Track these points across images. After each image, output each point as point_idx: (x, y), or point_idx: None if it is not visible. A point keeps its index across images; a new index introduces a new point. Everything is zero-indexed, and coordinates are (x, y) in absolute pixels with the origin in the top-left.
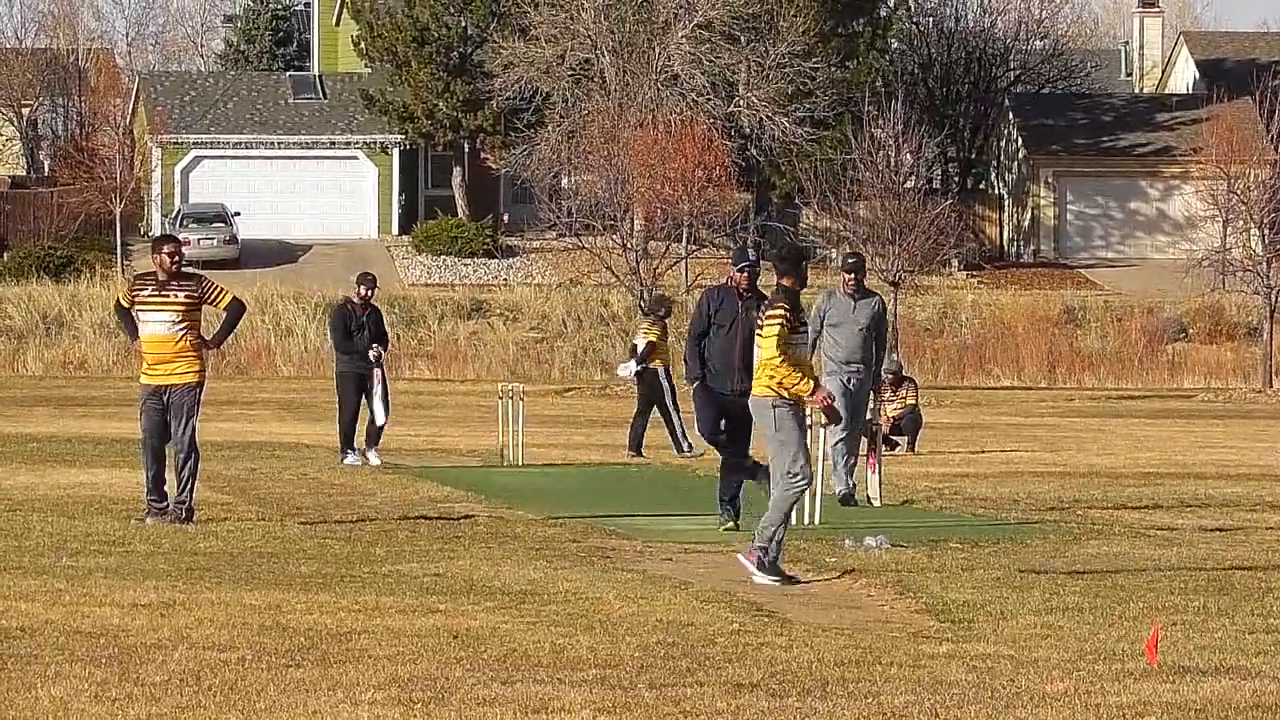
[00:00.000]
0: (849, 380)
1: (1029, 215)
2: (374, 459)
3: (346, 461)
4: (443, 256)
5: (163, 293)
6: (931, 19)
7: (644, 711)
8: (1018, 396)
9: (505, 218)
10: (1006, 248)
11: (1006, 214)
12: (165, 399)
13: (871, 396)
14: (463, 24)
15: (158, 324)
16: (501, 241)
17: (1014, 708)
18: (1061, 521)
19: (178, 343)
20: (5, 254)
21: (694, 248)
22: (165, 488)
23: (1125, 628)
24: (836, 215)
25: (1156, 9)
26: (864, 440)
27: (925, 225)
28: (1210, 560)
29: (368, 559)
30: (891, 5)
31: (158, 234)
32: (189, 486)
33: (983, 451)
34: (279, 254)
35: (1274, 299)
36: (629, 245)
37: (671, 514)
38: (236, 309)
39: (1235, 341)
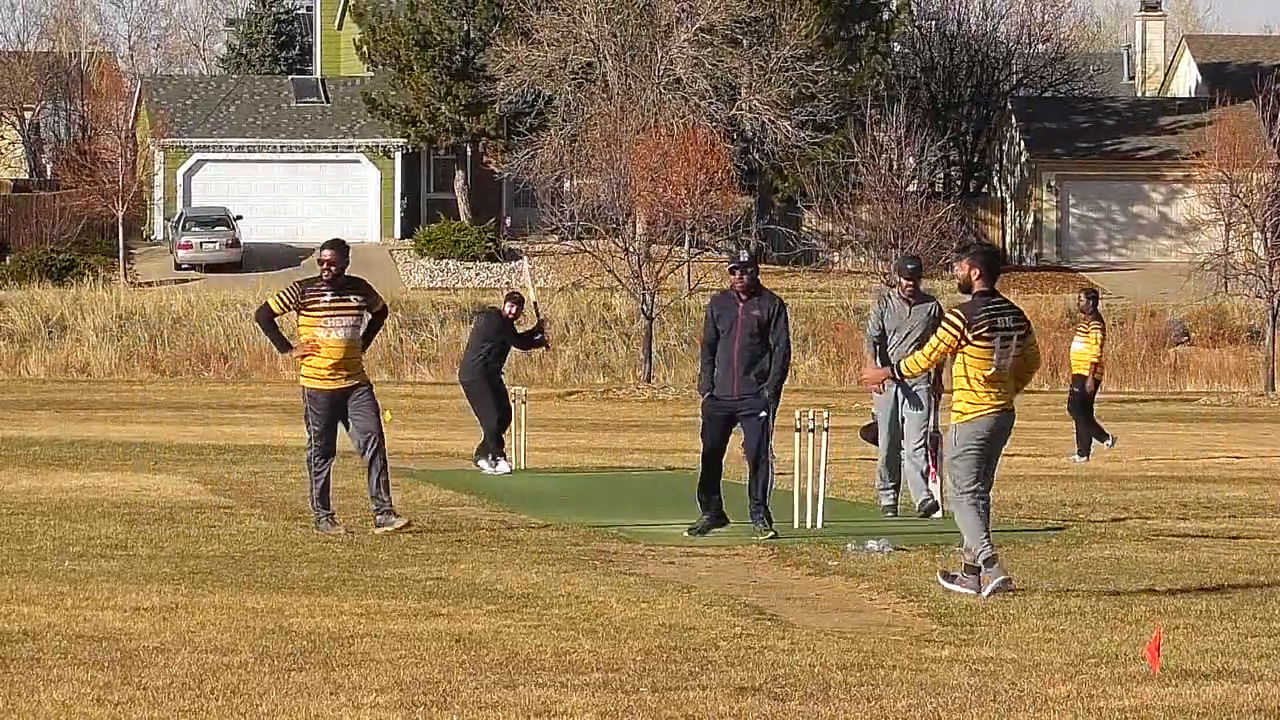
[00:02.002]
0: (909, 389)
1: (1031, 219)
2: (486, 467)
3: (500, 469)
4: (445, 260)
5: (342, 298)
6: (934, 23)
7: (646, 715)
8: (1020, 400)
9: (508, 221)
10: (1009, 251)
11: (1009, 217)
12: (344, 402)
13: (932, 403)
14: (465, 27)
15: (342, 329)
16: (504, 245)
17: (1016, 711)
18: (1064, 525)
19: (358, 346)
20: (8, 257)
21: (696, 251)
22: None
23: (1127, 631)
24: (839, 219)
25: (1159, 13)
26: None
27: (927, 229)
28: (1213, 564)
29: (370, 562)
30: (894, 9)
31: (326, 238)
32: (387, 483)
33: None
34: (281, 257)
35: (1277, 303)
36: (631, 249)
37: (674, 518)
38: (383, 315)
39: (1238, 345)
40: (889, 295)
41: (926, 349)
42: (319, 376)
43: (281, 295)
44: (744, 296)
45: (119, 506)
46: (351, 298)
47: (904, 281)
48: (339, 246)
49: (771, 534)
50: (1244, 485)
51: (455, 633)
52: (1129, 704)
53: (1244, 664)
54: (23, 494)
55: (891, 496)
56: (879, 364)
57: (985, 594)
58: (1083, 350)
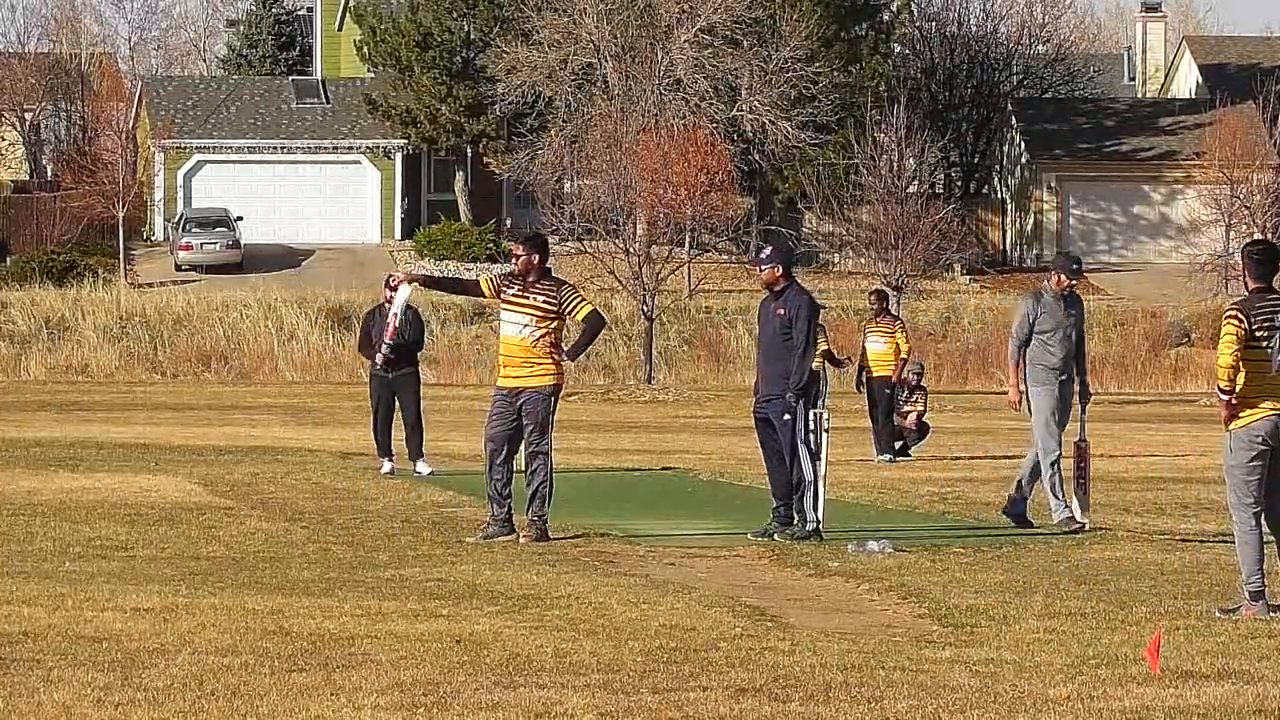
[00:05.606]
0: (1060, 391)
1: (1031, 220)
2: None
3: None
4: (445, 261)
5: (524, 294)
6: (934, 24)
7: (646, 716)
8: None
9: (508, 222)
10: (1009, 252)
11: (1009, 218)
12: (518, 404)
13: (1082, 409)
14: (465, 28)
15: (510, 324)
16: (504, 246)
17: (1016, 713)
18: (1064, 526)
19: (529, 347)
20: (8, 258)
21: (696, 252)
22: (510, 502)
23: (1128, 632)
24: (839, 220)
25: (1159, 14)
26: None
27: (928, 230)
28: (1213, 564)
29: (370, 564)
30: (894, 10)
31: (524, 233)
32: (540, 502)
33: (986, 456)
34: (282, 258)
35: None
36: (631, 250)
37: (675, 519)
38: (596, 323)
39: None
40: (1043, 292)
41: (1223, 350)
42: (499, 372)
43: (491, 278)
44: (772, 294)
45: (119, 507)
46: (535, 298)
47: (1065, 279)
48: (529, 242)
49: (788, 534)
50: None
51: (456, 634)
52: (1129, 705)
53: (1244, 665)
54: (23, 495)
55: (1064, 509)
56: (1023, 367)
57: (1237, 616)
58: (884, 350)
